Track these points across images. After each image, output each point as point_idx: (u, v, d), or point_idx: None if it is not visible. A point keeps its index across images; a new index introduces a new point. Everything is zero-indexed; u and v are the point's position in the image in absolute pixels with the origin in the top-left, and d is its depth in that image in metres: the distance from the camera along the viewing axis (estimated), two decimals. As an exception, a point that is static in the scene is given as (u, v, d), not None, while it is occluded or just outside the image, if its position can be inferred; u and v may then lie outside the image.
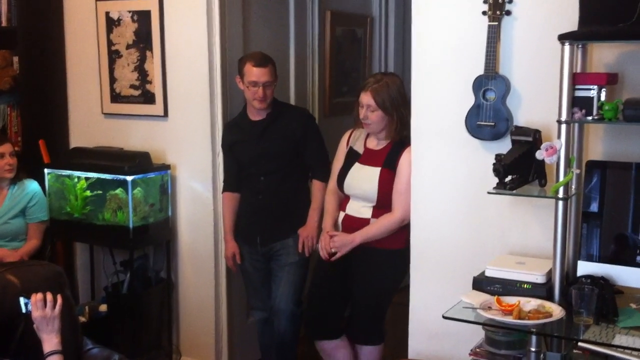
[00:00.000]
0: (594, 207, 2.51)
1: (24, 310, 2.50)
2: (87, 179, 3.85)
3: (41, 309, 2.45)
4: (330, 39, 4.59)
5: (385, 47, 5.18)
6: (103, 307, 3.97)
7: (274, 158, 3.52)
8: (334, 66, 4.65)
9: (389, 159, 3.15)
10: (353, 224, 3.23)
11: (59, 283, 2.76)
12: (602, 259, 2.48)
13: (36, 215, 3.85)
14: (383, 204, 3.15)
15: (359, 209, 3.22)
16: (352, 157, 3.28)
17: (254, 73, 3.40)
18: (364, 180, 3.19)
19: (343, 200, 3.32)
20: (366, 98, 3.12)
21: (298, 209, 3.55)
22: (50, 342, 2.45)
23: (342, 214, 3.30)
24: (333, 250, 3.22)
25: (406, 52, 3.67)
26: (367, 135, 3.27)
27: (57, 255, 4.11)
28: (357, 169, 3.23)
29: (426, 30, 2.95)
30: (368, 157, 3.22)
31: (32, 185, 3.88)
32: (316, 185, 3.53)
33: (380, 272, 3.21)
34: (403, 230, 3.18)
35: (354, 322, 3.37)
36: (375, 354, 3.37)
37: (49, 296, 2.48)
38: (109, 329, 3.81)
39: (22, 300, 2.51)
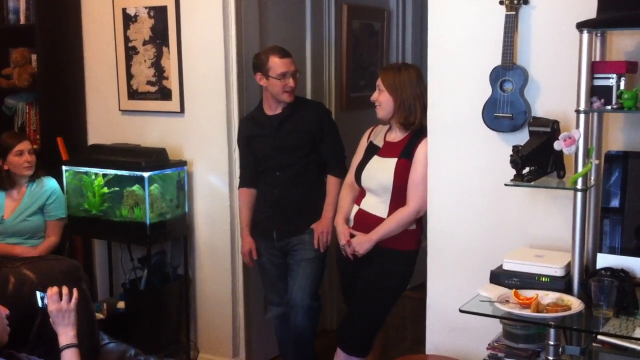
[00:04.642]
0: (615, 202, 2.47)
1: (40, 304, 2.51)
2: (104, 175, 3.87)
3: (57, 302, 2.45)
4: (347, 33, 4.57)
5: (402, 40, 5.14)
6: (121, 304, 3.99)
7: (289, 152, 3.50)
8: (350, 60, 4.62)
9: (406, 150, 3.12)
10: (366, 219, 3.18)
11: (76, 277, 2.76)
12: (623, 252, 2.43)
13: (54, 213, 3.86)
14: (399, 196, 3.11)
15: (375, 204, 3.18)
16: (372, 151, 3.26)
17: (282, 64, 3.40)
18: (380, 171, 3.16)
19: (358, 195, 3.28)
20: (378, 80, 3.17)
21: (314, 203, 3.53)
22: (66, 335, 2.44)
23: (355, 208, 3.26)
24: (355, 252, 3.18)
25: (424, 45, 3.64)
26: (388, 130, 3.25)
27: (75, 252, 4.13)
28: (375, 161, 3.21)
29: (442, 20, 2.92)
30: (387, 150, 3.20)
31: (51, 183, 3.89)
32: (331, 180, 3.52)
33: (384, 273, 3.15)
34: (415, 231, 3.16)
35: (345, 327, 3.30)
36: None
37: (65, 289, 2.48)
38: (127, 326, 3.83)
39: (38, 294, 2.51)
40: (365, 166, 3.23)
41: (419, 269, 3.22)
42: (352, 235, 3.20)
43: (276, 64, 3.40)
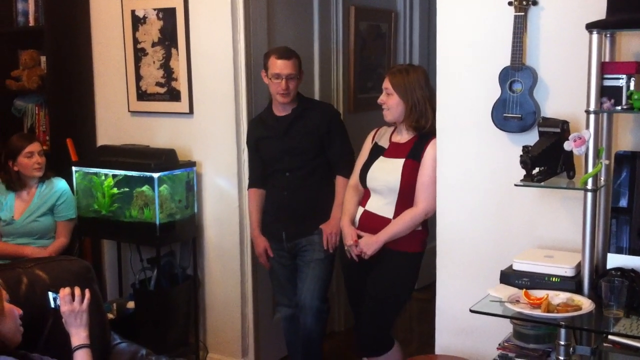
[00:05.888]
0: (623, 202, 2.47)
1: (52, 305, 2.52)
2: (114, 176, 3.89)
3: (69, 304, 2.46)
4: (355, 35, 4.58)
5: (410, 42, 5.16)
6: (130, 304, 4.00)
7: (298, 154, 3.51)
8: (358, 62, 4.64)
9: (413, 151, 3.12)
10: (372, 221, 3.17)
11: (87, 278, 2.78)
12: (631, 251, 2.44)
13: (64, 214, 3.87)
14: (406, 197, 3.10)
15: (381, 206, 3.16)
16: (377, 152, 3.25)
17: (277, 65, 3.41)
18: (387, 171, 3.14)
19: (363, 196, 3.27)
20: (385, 82, 3.16)
21: (323, 205, 3.53)
22: (79, 336, 2.46)
23: (360, 210, 3.24)
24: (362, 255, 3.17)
25: (431, 46, 3.66)
26: (393, 131, 3.25)
27: (85, 252, 4.15)
28: (381, 161, 3.20)
29: (451, 21, 2.92)
30: (393, 150, 3.19)
31: (60, 184, 3.91)
32: (340, 181, 3.52)
33: (393, 276, 3.16)
34: (421, 233, 3.16)
35: (359, 332, 3.30)
36: None
37: (77, 290, 2.49)
38: (137, 326, 3.84)
39: (50, 295, 2.52)
40: (371, 167, 3.22)
41: (425, 270, 3.23)
42: (359, 237, 3.20)
43: (273, 64, 3.43)
